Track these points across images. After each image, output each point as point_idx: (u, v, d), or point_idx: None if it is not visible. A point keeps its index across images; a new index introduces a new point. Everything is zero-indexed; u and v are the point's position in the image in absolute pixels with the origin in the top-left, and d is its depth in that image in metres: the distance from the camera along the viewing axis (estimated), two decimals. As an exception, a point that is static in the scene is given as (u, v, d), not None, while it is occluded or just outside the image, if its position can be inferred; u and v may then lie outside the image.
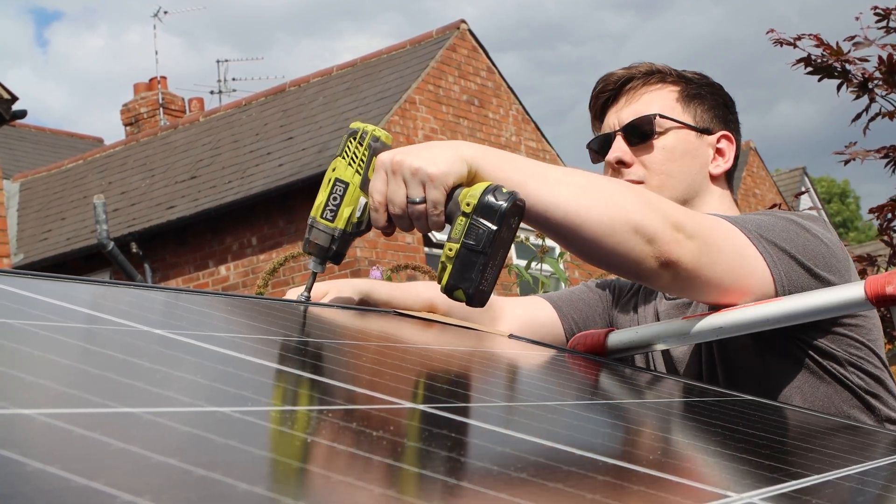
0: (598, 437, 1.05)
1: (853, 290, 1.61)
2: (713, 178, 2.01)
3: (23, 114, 9.76)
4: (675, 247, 1.55)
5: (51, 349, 0.86)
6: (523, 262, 4.68)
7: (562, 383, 1.53)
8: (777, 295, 1.68)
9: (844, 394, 1.80)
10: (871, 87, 4.18)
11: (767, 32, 4.20)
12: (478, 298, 1.51)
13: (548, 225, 1.55)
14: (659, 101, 2.02)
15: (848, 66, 4.17)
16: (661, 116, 1.99)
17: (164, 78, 20.06)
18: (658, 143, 1.98)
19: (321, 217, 1.63)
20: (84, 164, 16.15)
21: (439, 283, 1.53)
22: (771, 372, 1.81)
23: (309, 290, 1.68)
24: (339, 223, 1.62)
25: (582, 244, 1.55)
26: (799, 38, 4.17)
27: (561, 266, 4.59)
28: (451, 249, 1.50)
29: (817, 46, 4.16)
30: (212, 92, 22.28)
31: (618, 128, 2.02)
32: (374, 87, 13.56)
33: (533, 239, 5.01)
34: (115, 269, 12.89)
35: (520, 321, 2.01)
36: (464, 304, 1.52)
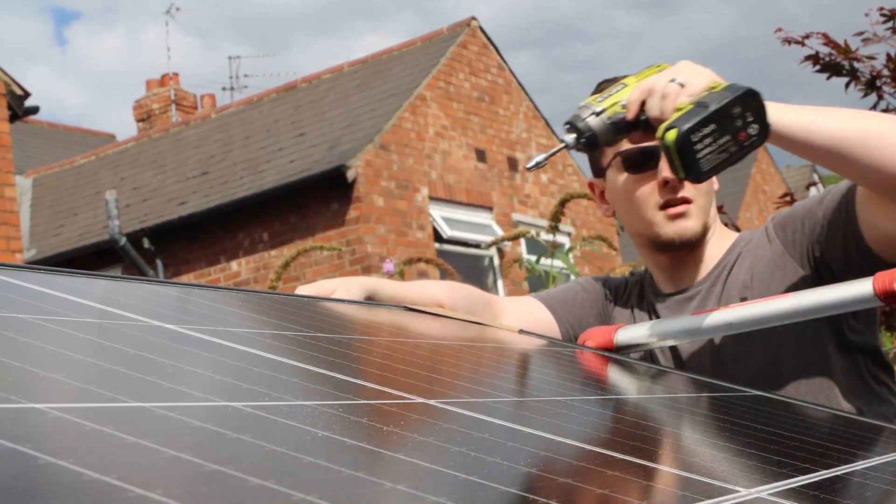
0: (608, 433, 1.06)
1: (862, 286, 1.60)
2: None
3: (35, 110, 9.76)
4: None
5: (64, 344, 0.87)
6: (533, 257, 4.67)
7: (576, 379, 1.54)
8: None
9: (868, 385, 1.81)
10: (878, 84, 4.18)
11: (776, 31, 4.19)
12: (683, 142, 1.54)
13: (846, 141, 1.61)
14: None
15: (856, 64, 4.16)
16: None
17: (175, 74, 20.08)
18: None
19: (593, 100, 1.73)
20: (96, 160, 16.16)
21: (658, 137, 1.58)
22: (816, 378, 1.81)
23: (548, 157, 1.73)
24: (606, 104, 1.72)
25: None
26: (807, 37, 4.17)
27: (571, 261, 4.58)
28: (680, 108, 1.58)
29: (825, 45, 4.15)
30: (224, 88, 22.22)
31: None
32: (386, 83, 13.54)
33: (544, 234, 5.00)
34: (127, 264, 12.90)
35: (521, 320, 2.01)
36: (671, 149, 1.55)
